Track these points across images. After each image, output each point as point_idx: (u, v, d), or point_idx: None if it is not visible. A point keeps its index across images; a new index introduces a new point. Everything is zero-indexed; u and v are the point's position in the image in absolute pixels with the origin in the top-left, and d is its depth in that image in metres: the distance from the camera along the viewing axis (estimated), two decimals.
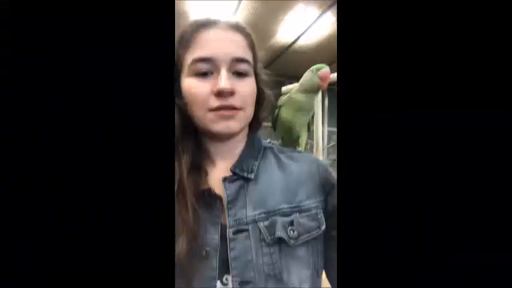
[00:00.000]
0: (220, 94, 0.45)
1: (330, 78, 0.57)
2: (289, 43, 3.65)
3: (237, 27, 0.49)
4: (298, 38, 3.47)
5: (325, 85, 0.56)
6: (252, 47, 0.50)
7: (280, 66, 4.34)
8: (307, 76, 0.58)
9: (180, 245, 0.42)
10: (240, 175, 0.48)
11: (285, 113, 0.58)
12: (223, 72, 0.45)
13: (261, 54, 0.53)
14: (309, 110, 0.59)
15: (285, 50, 3.85)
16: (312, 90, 0.57)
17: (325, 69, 0.57)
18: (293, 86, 0.61)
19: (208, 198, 0.47)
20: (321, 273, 0.51)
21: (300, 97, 0.57)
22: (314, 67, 0.57)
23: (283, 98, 0.60)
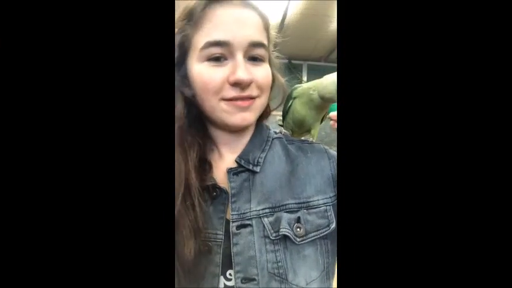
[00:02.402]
0: (237, 84, 0.42)
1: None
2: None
3: (252, 6, 0.44)
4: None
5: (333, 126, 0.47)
6: (267, 28, 0.46)
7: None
8: (331, 94, 0.48)
9: (189, 248, 0.40)
10: (245, 167, 0.46)
11: (298, 107, 0.52)
12: (240, 59, 0.41)
13: (274, 36, 0.49)
14: (325, 108, 0.52)
15: None
16: (329, 104, 0.51)
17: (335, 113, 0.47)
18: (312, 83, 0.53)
19: (214, 193, 0.45)
20: (333, 275, 0.47)
21: (317, 100, 0.50)
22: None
23: (298, 89, 0.53)
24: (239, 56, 0.42)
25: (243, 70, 0.41)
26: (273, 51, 0.49)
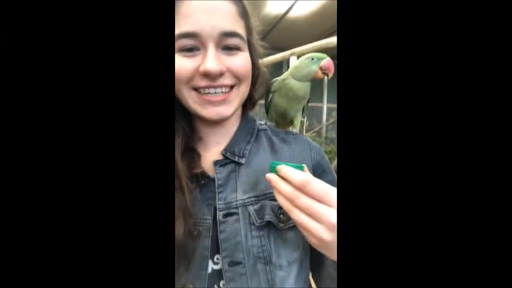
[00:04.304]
0: (206, 75, 0.42)
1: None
2: (281, 14, 3.52)
3: None
4: (291, 7, 3.35)
5: (331, 74, 0.54)
6: (244, 16, 0.45)
7: (273, 38, 4.20)
8: (304, 64, 0.54)
9: (178, 228, 0.41)
10: (231, 159, 0.47)
11: (278, 100, 0.56)
12: (211, 50, 0.41)
13: (256, 23, 0.49)
14: (304, 97, 0.57)
15: (278, 22, 3.72)
16: (308, 79, 0.55)
17: (327, 60, 0.53)
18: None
19: (203, 181, 0.46)
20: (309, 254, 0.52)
21: (295, 84, 0.54)
22: (314, 56, 0.54)
23: (275, 83, 0.57)
24: (210, 47, 0.42)
25: (212, 60, 0.41)
26: (257, 39, 0.49)
